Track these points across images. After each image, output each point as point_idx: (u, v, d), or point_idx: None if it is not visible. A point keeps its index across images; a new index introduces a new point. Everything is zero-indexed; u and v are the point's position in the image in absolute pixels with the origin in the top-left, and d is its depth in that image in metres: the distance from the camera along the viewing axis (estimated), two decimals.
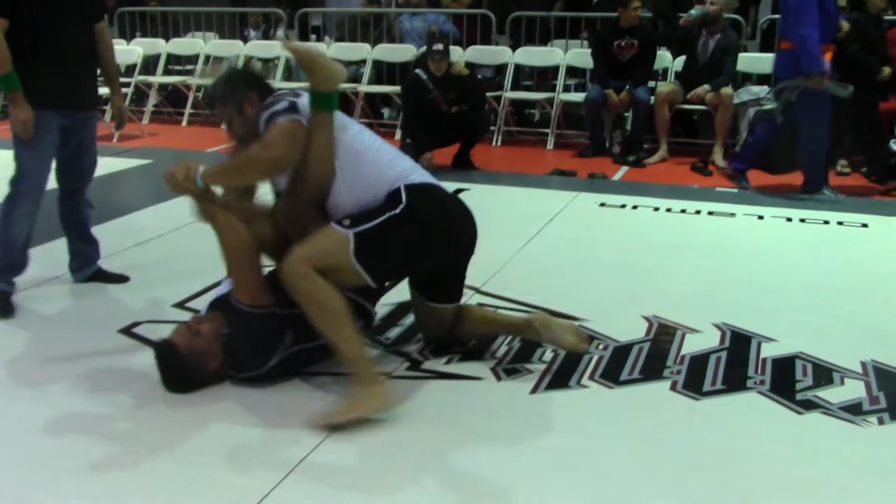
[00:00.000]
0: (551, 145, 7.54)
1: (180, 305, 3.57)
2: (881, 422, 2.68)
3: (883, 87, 6.31)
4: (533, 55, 7.94)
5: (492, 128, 7.45)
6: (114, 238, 4.48)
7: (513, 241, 4.40)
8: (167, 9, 9.78)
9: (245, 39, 9.19)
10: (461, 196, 3.11)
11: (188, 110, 8.65)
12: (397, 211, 2.71)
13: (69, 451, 2.47)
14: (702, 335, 3.31)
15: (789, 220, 5.09)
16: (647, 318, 3.46)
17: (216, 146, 7.39)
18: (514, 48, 7.97)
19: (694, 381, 2.93)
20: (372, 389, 2.65)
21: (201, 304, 3.55)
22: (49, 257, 3.99)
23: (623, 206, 5.37)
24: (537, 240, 4.59)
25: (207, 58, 8.97)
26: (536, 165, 6.80)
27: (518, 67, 7.96)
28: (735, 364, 3.07)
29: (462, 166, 6.46)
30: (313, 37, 9.60)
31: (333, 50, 8.46)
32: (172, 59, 9.18)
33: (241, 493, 2.26)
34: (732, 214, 5.18)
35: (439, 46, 6.32)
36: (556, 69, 7.74)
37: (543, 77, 8.22)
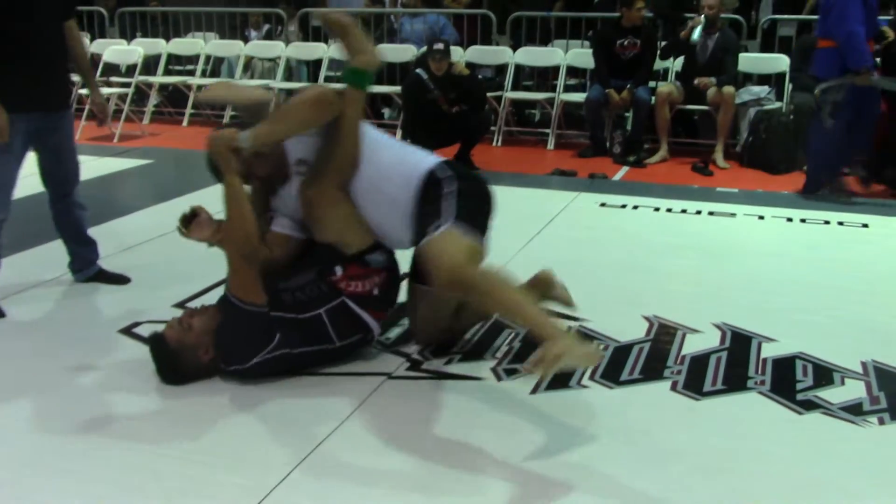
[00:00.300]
0: (552, 145, 7.54)
1: (181, 305, 3.56)
2: (881, 422, 2.68)
3: None
4: (533, 55, 7.94)
5: (492, 128, 7.44)
6: (114, 238, 4.48)
7: (513, 241, 4.39)
8: (167, 9, 9.78)
9: (246, 39, 9.19)
10: None
11: (189, 110, 8.65)
12: (454, 187, 2.84)
13: (69, 451, 2.47)
14: (702, 335, 3.31)
15: (790, 220, 5.09)
16: (647, 319, 3.46)
17: None
18: (514, 48, 7.97)
19: (694, 382, 2.93)
20: (566, 342, 2.43)
21: (202, 304, 3.56)
22: (49, 257, 4.00)
23: (623, 206, 5.37)
24: (538, 240, 4.59)
25: (208, 58, 8.96)
26: (537, 165, 6.80)
27: (518, 67, 7.95)
28: (735, 364, 3.06)
29: None
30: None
31: (334, 50, 8.45)
32: (173, 59, 9.17)
33: (241, 493, 2.26)
34: (733, 215, 5.18)
35: (440, 46, 6.32)
36: (556, 69, 7.73)
37: (544, 77, 8.22)
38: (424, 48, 7.26)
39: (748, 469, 2.40)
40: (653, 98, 6.92)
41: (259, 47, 8.88)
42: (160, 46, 8.97)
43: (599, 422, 2.67)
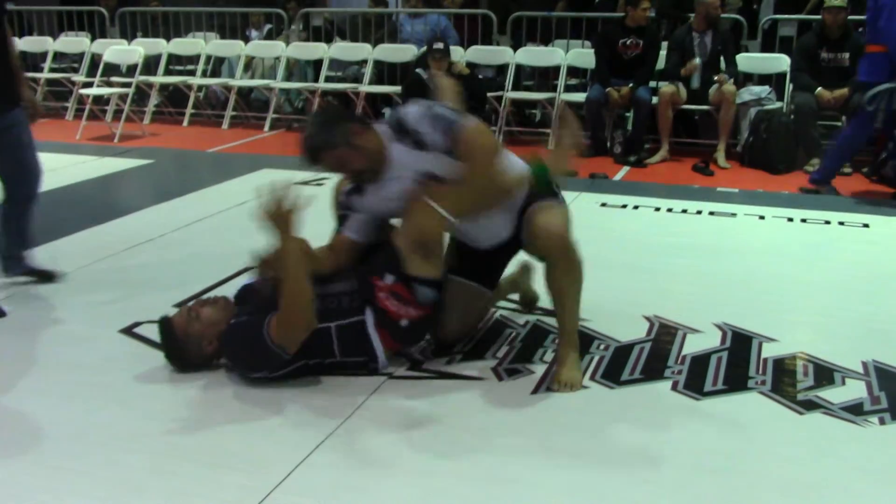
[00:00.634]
0: (552, 145, 7.53)
1: (181, 305, 3.56)
2: (882, 422, 2.67)
3: None
4: (534, 55, 7.94)
5: (493, 128, 7.44)
6: (114, 238, 4.48)
7: None
8: (168, 9, 9.78)
9: (246, 39, 9.19)
10: None
11: (189, 111, 8.65)
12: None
13: (69, 451, 2.47)
14: (703, 335, 3.31)
15: (790, 220, 5.08)
16: (648, 318, 3.46)
17: (216, 147, 7.41)
18: (515, 48, 7.97)
19: (695, 381, 2.93)
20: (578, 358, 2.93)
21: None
22: (49, 258, 3.99)
23: (624, 206, 5.37)
24: None
25: (209, 58, 8.96)
26: None
27: (519, 67, 7.95)
28: (736, 364, 3.06)
29: None
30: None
31: (335, 50, 8.46)
32: (173, 59, 9.17)
33: (241, 493, 2.25)
34: (733, 214, 5.18)
35: (440, 45, 6.33)
36: (557, 69, 7.73)
37: (544, 77, 8.21)
38: (424, 48, 7.27)
39: (748, 469, 2.40)
40: (653, 98, 6.92)
41: (260, 47, 8.88)
42: (161, 46, 8.96)
43: (600, 422, 2.66)
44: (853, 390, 2.87)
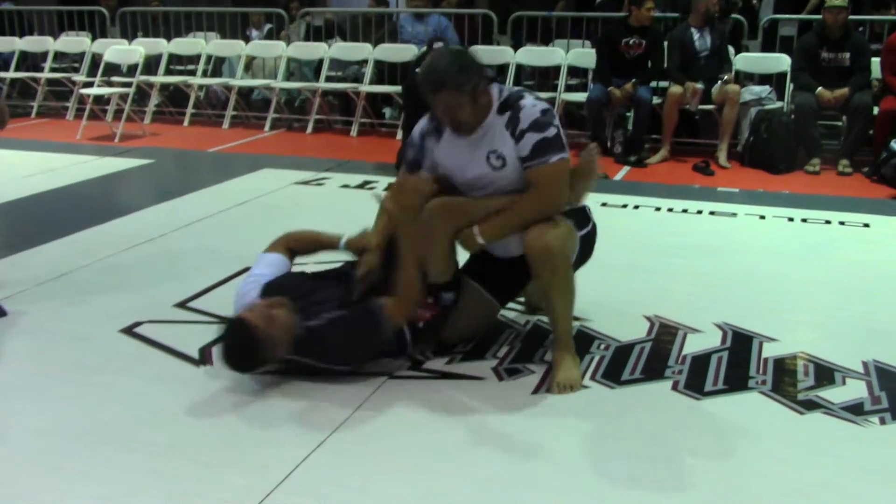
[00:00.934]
0: None
1: (181, 305, 3.56)
2: (883, 422, 2.67)
3: None
4: (534, 55, 7.94)
5: None
6: (114, 238, 4.48)
7: None
8: (169, 9, 9.78)
9: (247, 39, 9.19)
10: None
11: (190, 110, 8.65)
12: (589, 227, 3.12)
13: (69, 451, 2.47)
14: (703, 335, 3.31)
15: (791, 220, 5.08)
16: (648, 318, 3.45)
17: (217, 146, 7.40)
18: (515, 48, 7.97)
19: (695, 381, 2.93)
20: (575, 359, 2.94)
21: (202, 303, 3.57)
22: (49, 257, 4.00)
23: (625, 206, 5.37)
24: None
25: (209, 57, 8.96)
26: None
27: (519, 67, 7.95)
28: (736, 364, 3.06)
29: None
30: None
31: (335, 50, 8.46)
32: (174, 59, 9.17)
33: (241, 493, 2.25)
34: (734, 214, 5.18)
35: (440, 45, 6.32)
36: (557, 69, 7.73)
37: (545, 77, 8.21)
38: (425, 48, 7.26)
39: (748, 469, 2.40)
40: (654, 98, 6.91)
41: (260, 47, 8.88)
42: (161, 46, 8.96)
43: (600, 421, 2.66)
44: (854, 390, 2.87)
